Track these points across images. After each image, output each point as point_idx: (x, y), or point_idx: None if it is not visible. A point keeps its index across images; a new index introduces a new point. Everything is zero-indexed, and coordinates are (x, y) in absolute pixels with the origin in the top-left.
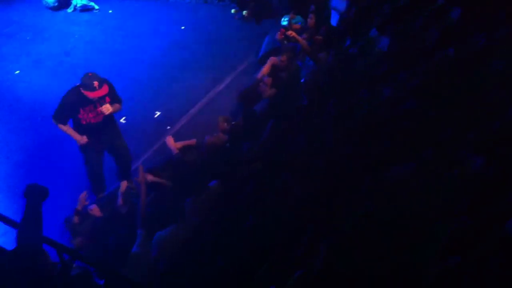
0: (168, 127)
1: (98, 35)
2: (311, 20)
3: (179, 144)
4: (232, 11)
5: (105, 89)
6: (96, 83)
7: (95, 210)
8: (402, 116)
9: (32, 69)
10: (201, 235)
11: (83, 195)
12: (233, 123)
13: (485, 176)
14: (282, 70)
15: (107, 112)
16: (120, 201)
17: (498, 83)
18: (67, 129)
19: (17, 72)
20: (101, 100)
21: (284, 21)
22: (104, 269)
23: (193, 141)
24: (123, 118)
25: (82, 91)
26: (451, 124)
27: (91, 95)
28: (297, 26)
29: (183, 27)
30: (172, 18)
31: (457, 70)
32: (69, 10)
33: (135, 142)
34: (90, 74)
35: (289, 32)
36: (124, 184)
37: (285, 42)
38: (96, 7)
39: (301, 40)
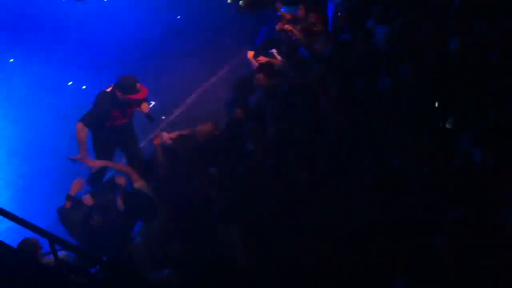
0: (163, 117)
1: (93, 24)
2: (300, 11)
3: (174, 134)
4: (229, 1)
5: (145, 89)
6: (138, 85)
7: (87, 199)
8: (401, 107)
9: (27, 58)
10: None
11: (78, 181)
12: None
13: (484, 168)
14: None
15: (147, 111)
16: (119, 201)
17: (498, 74)
18: (83, 139)
19: (11, 60)
20: (138, 102)
21: None
22: (96, 258)
23: (187, 131)
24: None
25: (122, 95)
26: (452, 115)
27: (135, 97)
28: (289, 16)
29: (178, 17)
30: (168, 8)
31: (458, 61)
32: None
33: None
34: (129, 77)
35: (286, 27)
36: (122, 181)
37: (282, 34)
38: None
39: (297, 32)
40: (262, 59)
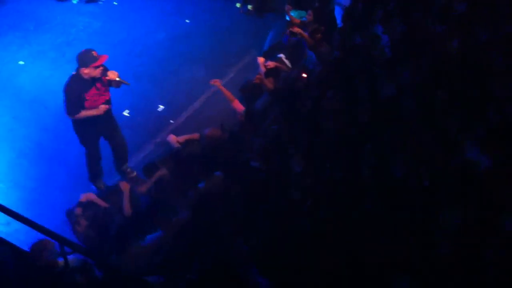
0: (171, 121)
1: (102, 27)
2: (309, 17)
3: (182, 138)
4: (237, 5)
5: (104, 55)
6: (94, 52)
7: (89, 195)
8: (403, 108)
9: (35, 60)
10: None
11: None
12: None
13: (486, 169)
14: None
15: (115, 77)
16: (126, 206)
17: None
18: (84, 113)
19: (21, 62)
20: (104, 72)
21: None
22: (103, 261)
23: (195, 135)
24: (127, 111)
25: (86, 68)
26: (455, 120)
27: (97, 63)
28: (297, 20)
29: (187, 21)
30: (177, 11)
31: (460, 65)
32: (74, 1)
33: (138, 136)
34: (82, 51)
35: (295, 29)
36: (126, 187)
37: (291, 38)
38: None
39: (306, 35)
40: (270, 63)
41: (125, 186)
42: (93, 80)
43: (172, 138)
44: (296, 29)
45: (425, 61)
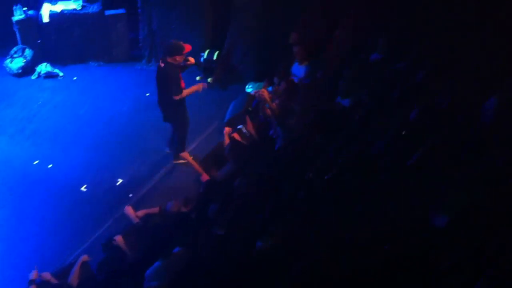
0: (131, 195)
1: (62, 101)
2: (281, 87)
3: (141, 212)
4: (197, 78)
5: (188, 45)
6: (181, 42)
7: (44, 274)
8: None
9: None
10: None
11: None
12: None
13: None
14: (245, 137)
15: (193, 61)
16: (73, 277)
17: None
18: (186, 92)
19: None
20: (186, 58)
21: (249, 88)
22: None
23: (155, 209)
24: (84, 186)
25: (178, 58)
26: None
27: (188, 49)
28: (261, 92)
29: (147, 94)
30: (137, 84)
31: (422, 132)
32: (33, 77)
33: (96, 211)
34: (173, 42)
35: (263, 92)
36: (84, 258)
37: (255, 108)
38: (61, 74)
39: (273, 104)
40: (234, 135)
41: (84, 258)
42: (179, 65)
43: (130, 211)
44: (263, 92)
45: (391, 130)
